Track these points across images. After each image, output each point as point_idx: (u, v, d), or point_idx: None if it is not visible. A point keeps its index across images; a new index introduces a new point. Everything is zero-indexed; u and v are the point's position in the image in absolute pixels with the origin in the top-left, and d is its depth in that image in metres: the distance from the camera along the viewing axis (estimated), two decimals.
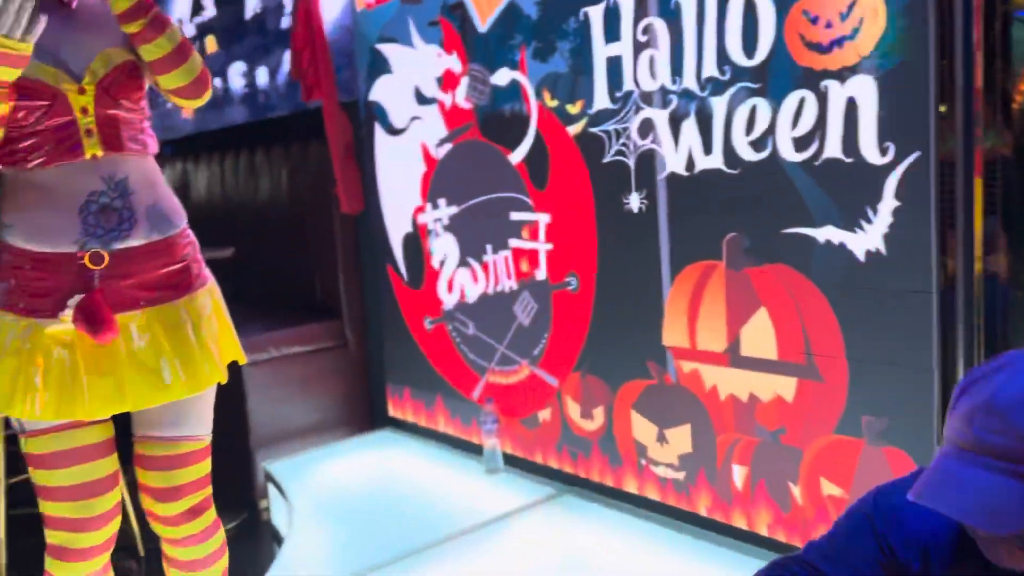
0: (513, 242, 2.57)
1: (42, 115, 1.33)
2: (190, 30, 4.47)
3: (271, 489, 2.91)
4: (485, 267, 2.70)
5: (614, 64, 2.18)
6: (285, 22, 3.64)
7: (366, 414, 3.33)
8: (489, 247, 2.67)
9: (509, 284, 2.62)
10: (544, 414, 2.57)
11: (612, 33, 2.17)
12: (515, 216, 2.55)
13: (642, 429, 2.26)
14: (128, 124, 1.41)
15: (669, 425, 2.19)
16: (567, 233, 2.40)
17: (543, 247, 2.48)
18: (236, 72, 4.13)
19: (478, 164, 2.66)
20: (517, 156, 2.51)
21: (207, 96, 1.50)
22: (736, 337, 1.99)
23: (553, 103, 2.37)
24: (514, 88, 2.48)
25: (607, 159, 2.23)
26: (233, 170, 3.99)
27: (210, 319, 1.51)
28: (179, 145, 4.73)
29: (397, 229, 3.06)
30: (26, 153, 1.35)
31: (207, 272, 1.57)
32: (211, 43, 4.34)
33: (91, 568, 1.45)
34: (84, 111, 1.36)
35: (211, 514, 1.58)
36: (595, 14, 2.20)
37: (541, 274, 2.50)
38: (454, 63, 2.68)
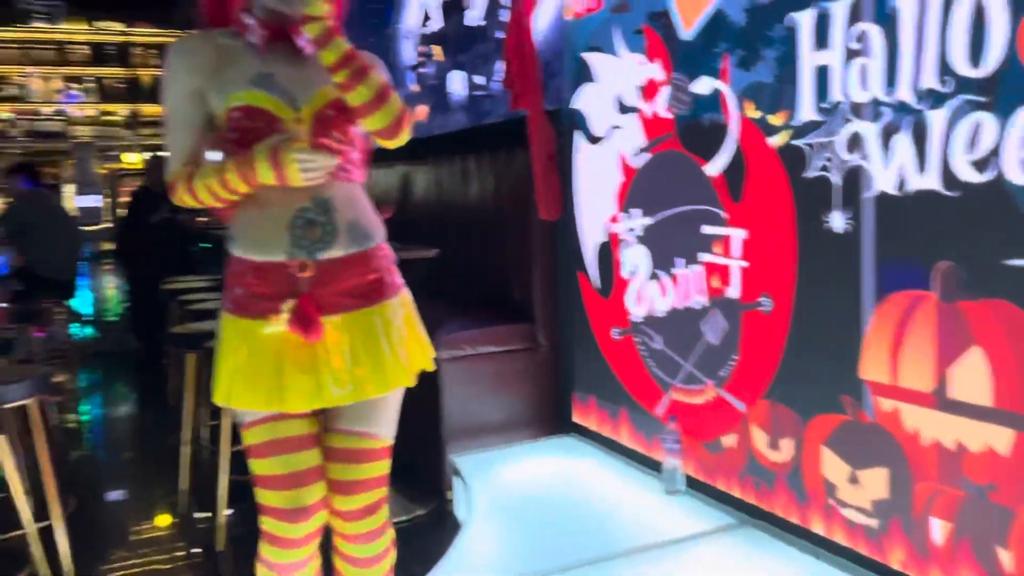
0: (705, 257, 2.48)
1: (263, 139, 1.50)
2: (418, 41, 4.74)
3: (456, 481, 3.02)
4: (675, 280, 2.63)
5: (822, 73, 2.03)
6: (500, 32, 3.75)
7: (552, 418, 3.36)
8: (680, 260, 2.59)
9: (699, 300, 2.53)
10: (728, 439, 2.46)
11: (821, 40, 2.03)
12: (708, 230, 2.46)
13: (833, 467, 2.10)
14: (337, 154, 1.56)
15: (863, 466, 2.01)
16: (762, 251, 2.28)
17: (736, 264, 2.37)
18: (457, 80, 4.32)
19: (674, 175, 2.59)
20: (714, 168, 2.41)
21: (404, 138, 1.60)
22: (944, 377, 1.78)
23: (755, 113, 2.25)
24: (715, 97, 2.39)
25: (810, 174, 2.09)
26: (448, 174, 4.18)
27: (400, 327, 1.62)
28: (402, 149, 5.03)
29: (591, 237, 3.06)
30: None
31: (401, 283, 1.67)
32: (437, 52, 4.57)
33: (300, 555, 1.57)
34: (301, 139, 1.51)
35: (383, 514, 1.65)
36: (804, 20, 2.07)
37: (733, 292, 2.39)
38: (656, 71, 2.63)
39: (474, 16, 4.05)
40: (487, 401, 3.26)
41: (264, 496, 1.55)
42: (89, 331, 6.66)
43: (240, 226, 1.55)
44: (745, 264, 2.34)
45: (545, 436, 3.28)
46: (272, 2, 1.48)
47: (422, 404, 3.31)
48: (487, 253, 3.73)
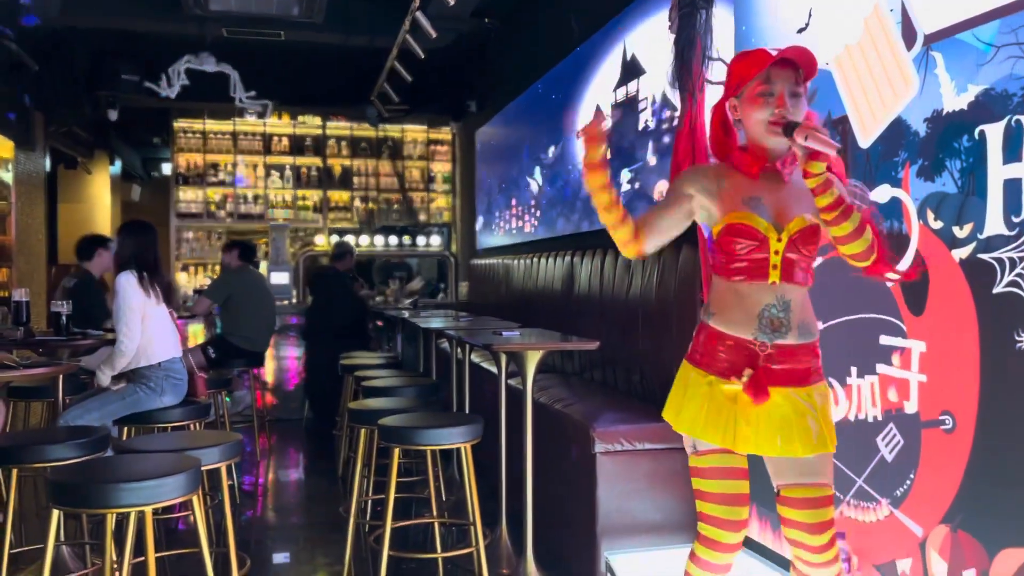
0: (881, 368, 2.39)
1: (751, 250, 1.94)
2: None
3: None
4: (848, 391, 2.53)
5: (1013, 187, 1.96)
6: (668, 137, 3.84)
7: None
8: (855, 369, 2.51)
9: (873, 412, 2.43)
10: (904, 564, 2.30)
11: (1012, 153, 1.96)
12: (885, 340, 2.37)
13: None
14: (800, 265, 1.97)
15: None
16: (945, 366, 2.17)
17: (915, 377, 2.26)
18: (623, 177, 4.44)
19: (850, 281, 2.53)
20: (893, 276, 2.34)
21: (872, 259, 1.93)
22: None
23: (937, 224, 2.18)
24: (894, 206, 2.34)
25: (998, 289, 1.99)
26: (612, 266, 4.26)
27: (825, 405, 1.99)
28: (568, 241, 5.18)
29: None
30: (734, 271, 1.98)
31: (821, 372, 2.02)
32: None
33: (729, 559, 2.00)
34: (776, 252, 1.94)
35: (837, 545, 2.00)
36: (993, 132, 2.01)
37: (911, 407, 2.28)
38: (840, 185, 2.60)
39: (646, 117, 4.18)
40: (643, 499, 3.22)
41: (708, 508, 1.99)
42: (270, 399, 7.16)
43: (718, 306, 2.00)
44: (924, 378, 2.23)
45: None
46: (765, 141, 1.96)
47: (577, 497, 3.32)
48: (649, 347, 3.74)
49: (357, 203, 9.38)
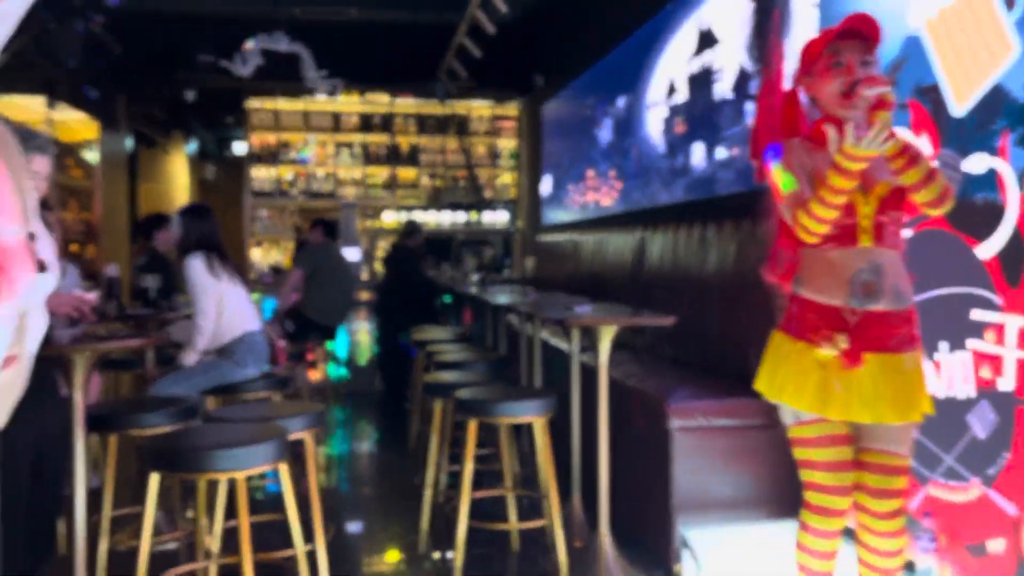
0: (973, 344, 2.32)
1: (838, 216, 1.92)
2: (662, 111, 4.85)
3: (685, 554, 2.98)
4: (937, 366, 2.46)
5: None
6: (745, 108, 3.76)
7: (788, 500, 3.22)
8: (944, 345, 2.43)
9: (965, 390, 2.36)
10: (995, 544, 2.24)
11: None
12: (978, 315, 2.30)
13: None
14: (890, 228, 1.97)
15: None
16: None
17: (1012, 354, 2.19)
18: (698, 150, 4.37)
19: (938, 254, 2.45)
20: (987, 250, 2.26)
21: (948, 206, 1.92)
22: None
23: None
24: (990, 176, 2.25)
25: None
26: (686, 241, 4.21)
27: (918, 372, 1.98)
28: (638, 215, 5.14)
29: None
30: (823, 239, 1.96)
31: (919, 339, 2.01)
32: (679, 124, 4.66)
33: (838, 525, 2.02)
34: (865, 216, 1.94)
35: (904, 518, 2.02)
36: None
37: (1006, 384, 2.21)
38: (923, 147, 2.52)
39: (722, 89, 4.10)
40: (719, 475, 3.20)
41: (817, 476, 2.02)
42: (342, 372, 7.31)
43: (809, 275, 2.02)
44: (1021, 354, 2.16)
45: (780, 518, 3.15)
46: (841, 112, 1.94)
47: (651, 472, 3.32)
48: (726, 323, 3.69)
49: (424, 180, 9.45)
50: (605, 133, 5.97)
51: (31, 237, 0.55)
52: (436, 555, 3.40)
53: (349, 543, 3.64)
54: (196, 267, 3.69)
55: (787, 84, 2.17)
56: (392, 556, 3.43)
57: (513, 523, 3.45)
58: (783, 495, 3.23)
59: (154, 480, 2.33)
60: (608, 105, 5.88)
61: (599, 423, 3.28)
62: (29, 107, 6.90)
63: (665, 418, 3.17)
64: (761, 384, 2.07)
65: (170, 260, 5.42)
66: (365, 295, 7.30)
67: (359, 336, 7.32)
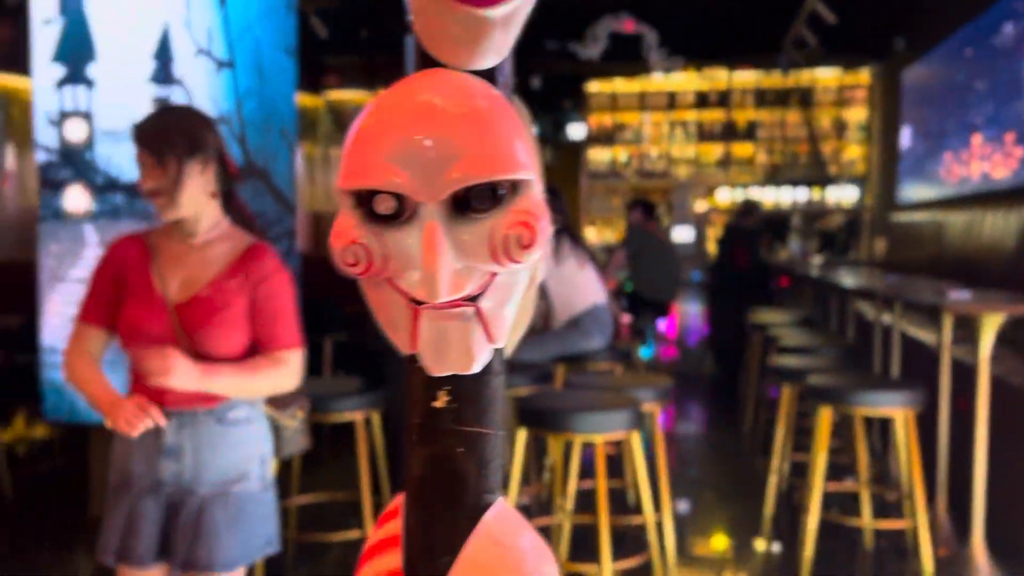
0: None
1: None
2: None
3: None
4: None
5: None
6: None
7: None
8: None
9: None
10: None
11: None
12: None
13: None
14: None
15: None
16: None
17: None
18: None
19: None
20: None
21: None
22: None
23: None
24: None
25: None
26: None
27: None
28: None
29: None
30: None
31: None
32: None
33: None
34: None
35: None
36: None
37: None
38: None
39: None
40: None
41: None
42: (670, 352, 7.35)
43: None
44: None
45: None
46: None
47: None
48: None
49: (761, 156, 9.11)
50: (987, 98, 5.26)
51: None
52: (777, 545, 3.28)
53: (686, 521, 3.64)
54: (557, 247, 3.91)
55: None
56: (734, 540, 3.38)
57: (867, 521, 3.21)
58: None
59: (521, 435, 2.51)
60: (990, 68, 5.17)
61: (976, 424, 2.93)
62: None
63: None
64: None
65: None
66: (696, 276, 7.24)
67: (688, 317, 7.29)
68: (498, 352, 0.63)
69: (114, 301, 1.65)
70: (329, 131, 7.67)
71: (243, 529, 1.64)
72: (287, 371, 1.67)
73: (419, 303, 0.57)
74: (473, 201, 0.55)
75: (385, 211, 0.55)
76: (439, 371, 0.59)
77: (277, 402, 1.77)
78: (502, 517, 0.62)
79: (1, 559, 3.19)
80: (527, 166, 0.56)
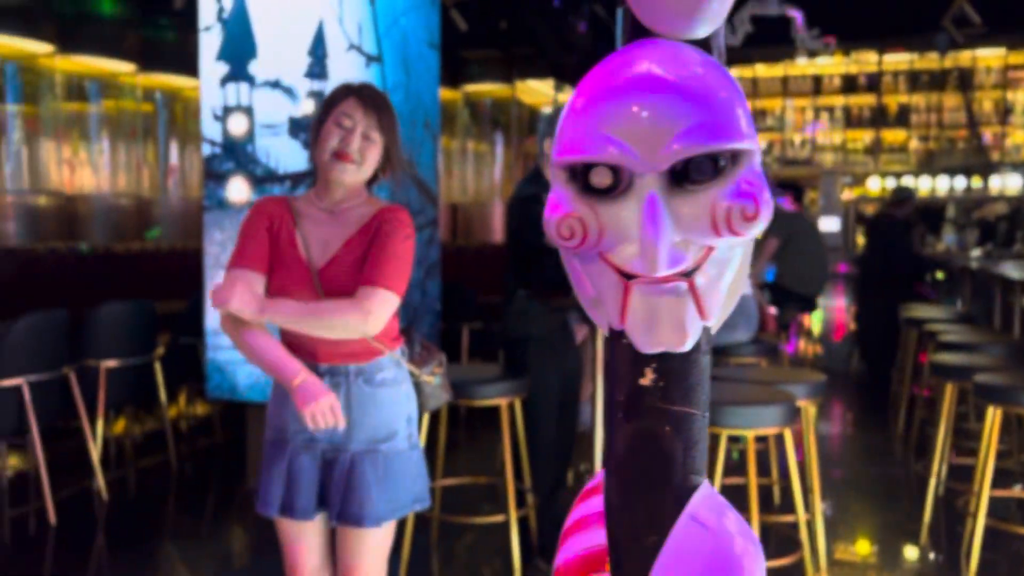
0: None
1: None
2: None
3: None
4: None
5: None
6: None
7: None
8: None
9: None
10: None
11: None
12: None
13: None
14: None
15: None
16: None
17: None
18: None
19: None
20: None
21: None
22: None
23: None
24: None
25: None
26: None
27: None
28: None
29: None
30: None
31: None
32: None
33: None
34: None
35: None
36: None
37: None
38: None
39: None
40: None
41: None
42: (817, 347, 7.05)
43: None
44: None
45: None
46: None
47: None
48: None
49: (914, 143, 8.58)
50: None
51: None
52: (934, 552, 3.09)
53: (838, 522, 3.49)
54: None
55: None
56: (888, 546, 3.21)
57: None
58: None
59: None
60: None
61: None
62: (540, 90, 7.82)
63: None
64: None
65: None
66: (843, 267, 6.91)
67: (834, 312, 6.97)
68: (706, 330, 0.61)
69: (268, 251, 1.67)
70: (466, 124, 7.80)
71: (391, 486, 1.68)
72: (360, 309, 1.59)
73: (630, 277, 0.56)
74: (692, 172, 0.53)
75: (600, 184, 0.55)
76: (649, 348, 0.58)
77: (417, 360, 1.81)
78: (708, 499, 0.60)
79: (171, 523, 3.44)
80: (749, 135, 0.54)
